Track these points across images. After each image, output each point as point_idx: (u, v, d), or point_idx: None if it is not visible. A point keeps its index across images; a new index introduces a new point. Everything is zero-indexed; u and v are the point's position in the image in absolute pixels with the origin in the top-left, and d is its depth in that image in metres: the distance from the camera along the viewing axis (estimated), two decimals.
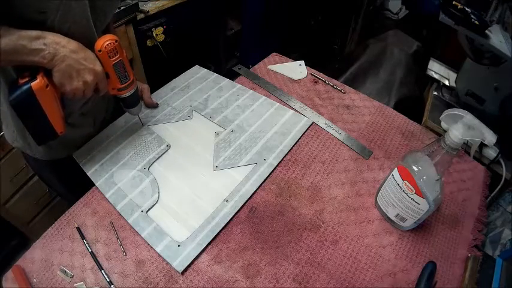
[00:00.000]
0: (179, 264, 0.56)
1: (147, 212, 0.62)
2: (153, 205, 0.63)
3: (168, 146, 0.72)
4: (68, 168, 0.72)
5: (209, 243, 0.59)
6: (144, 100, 0.79)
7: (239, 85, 0.86)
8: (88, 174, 0.68)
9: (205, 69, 0.92)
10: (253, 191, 0.65)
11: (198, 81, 0.88)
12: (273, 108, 0.81)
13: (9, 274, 0.57)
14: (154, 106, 0.80)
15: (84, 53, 0.55)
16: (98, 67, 0.57)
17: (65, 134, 0.63)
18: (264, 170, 0.69)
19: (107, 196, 0.64)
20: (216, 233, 0.60)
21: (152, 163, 0.69)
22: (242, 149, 0.72)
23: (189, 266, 0.56)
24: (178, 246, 0.58)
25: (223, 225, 0.61)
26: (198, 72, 0.91)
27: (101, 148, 0.72)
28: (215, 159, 0.70)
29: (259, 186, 0.66)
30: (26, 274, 0.56)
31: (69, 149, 0.73)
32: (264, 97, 0.83)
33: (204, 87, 0.86)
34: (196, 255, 0.57)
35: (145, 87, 0.80)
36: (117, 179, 0.67)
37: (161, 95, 0.84)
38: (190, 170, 0.69)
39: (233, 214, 0.62)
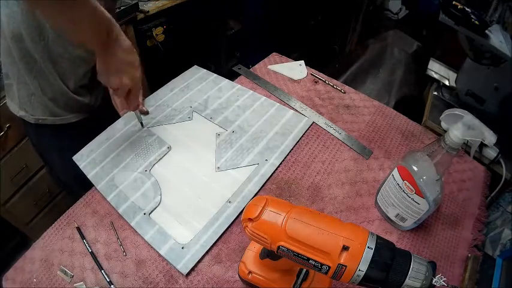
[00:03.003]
0: (183, 266, 0.56)
1: (149, 214, 0.62)
2: (156, 207, 0.63)
3: (169, 148, 0.72)
4: (68, 137, 0.76)
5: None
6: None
7: (239, 85, 0.86)
8: (89, 177, 0.68)
9: (204, 70, 0.92)
10: (255, 192, 0.65)
11: (197, 82, 0.88)
12: (273, 108, 0.81)
13: (10, 274, 0.57)
14: (144, 113, 0.79)
15: None
16: None
17: (67, 97, 0.74)
18: (266, 171, 0.69)
19: (108, 199, 0.64)
20: (220, 234, 0.60)
21: (153, 165, 0.69)
22: (244, 149, 0.72)
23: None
24: (182, 248, 0.58)
25: (227, 226, 0.61)
26: (197, 73, 0.91)
27: (101, 150, 0.72)
28: (217, 160, 0.70)
29: (262, 186, 0.66)
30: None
31: (70, 112, 0.78)
32: (264, 97, 0.83)
33: (204, 88, 0.86)
34: (200, 257, 0.57)
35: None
36: (118, 182, 0.66)
37: (160, 96, 0.84)
38: (192, 171, 0.69)
39: (236, 215, 0.62)
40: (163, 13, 1.45)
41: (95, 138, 0.74)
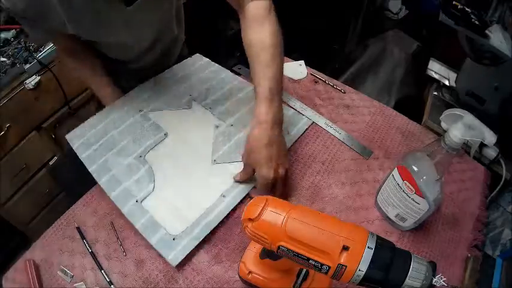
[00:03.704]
0: (174, 258, 0.55)
1: (141, 202, 0.61)
2: (147, 195, 0.62)
3: (166, 135, 0.71)
4: None
5: (209, 243, 0.59)
6: None
7: (240, 78, 0.86)
8: (81, 158, 0.66)
9: (207, 59, 0.90)
10: (251, 187, 0.65)
11: (199, 71, 0.86)
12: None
13: (10, 274, 0.57)
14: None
15: None
16: None
17: None
18: None
19: (100, 182, 0.63)
20: (212, 228, 0.59)
21: (148, 151, 0.68)
22: (241, 143, 0.71)
23: (188, 265, 0.56)
24: (173, 239, 0.57)
25: (219, 220, 0.60)
26: (199, 61, 0.89)
27: (95, 131, 0.71)
28: (214, 152, 0.70)
29: None
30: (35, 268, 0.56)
31: None
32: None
33: (205, 78, 0.85)
34: (191, 249, 0.57)
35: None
36: (111, 166, 0.65)
37: (160, 80, 0.83)
38: (187, 161, 0.68)
39: (229, 210, 0.61)
40: None
41: (90, 118, 0.73)
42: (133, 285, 0.55)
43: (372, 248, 0.35)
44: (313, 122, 0.78)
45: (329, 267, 0.36)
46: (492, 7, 1.02)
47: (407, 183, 0.54)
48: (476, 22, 0.86)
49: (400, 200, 0.57)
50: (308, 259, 0.37)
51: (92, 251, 0.58)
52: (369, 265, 0.35)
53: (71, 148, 0.70)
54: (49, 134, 1.23)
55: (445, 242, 0.61)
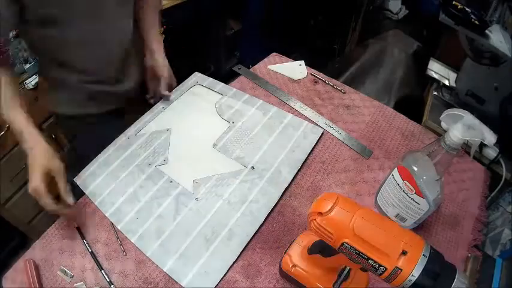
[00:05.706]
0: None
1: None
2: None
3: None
4: (103, 128, 0.79)
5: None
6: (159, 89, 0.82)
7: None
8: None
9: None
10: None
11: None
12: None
13: (10, 274, 0.57)
14: (166, 99, 0.83)
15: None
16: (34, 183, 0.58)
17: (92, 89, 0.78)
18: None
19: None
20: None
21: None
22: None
23: None
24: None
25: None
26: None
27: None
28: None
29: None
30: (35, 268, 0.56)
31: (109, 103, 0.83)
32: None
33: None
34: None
35: (163, 78, 0.83)
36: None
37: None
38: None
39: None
40: (163, 13, 1.45)
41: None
42: (133, 285, 0.55)
43: (426, 256, 0.36)
44: (314, 122, 0.78)
45: (386, 269, 0.37)
46: (492, 7, 1.02)
47: (407, 183, 0.54)
48: (476, 22, 0.86)
49: (400, 200, 0.57)
50: (368, 258, 0.38)
51: (92, 251, 0.58)
52: (422, 272, 0.36)
53: (71, 148, 0.69)
54: (49, 134, 1.23)
55: (445, 242, 0.61)
